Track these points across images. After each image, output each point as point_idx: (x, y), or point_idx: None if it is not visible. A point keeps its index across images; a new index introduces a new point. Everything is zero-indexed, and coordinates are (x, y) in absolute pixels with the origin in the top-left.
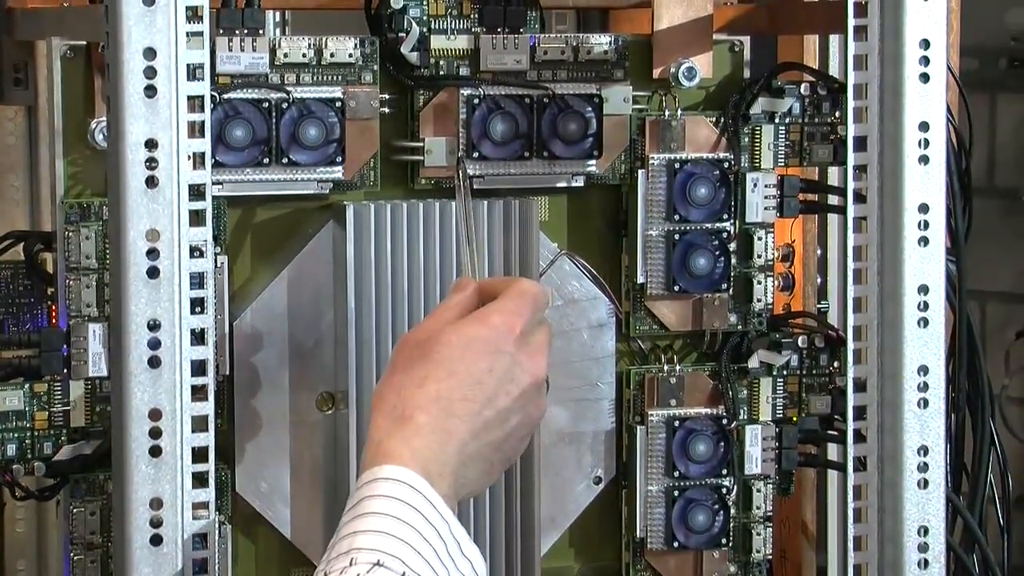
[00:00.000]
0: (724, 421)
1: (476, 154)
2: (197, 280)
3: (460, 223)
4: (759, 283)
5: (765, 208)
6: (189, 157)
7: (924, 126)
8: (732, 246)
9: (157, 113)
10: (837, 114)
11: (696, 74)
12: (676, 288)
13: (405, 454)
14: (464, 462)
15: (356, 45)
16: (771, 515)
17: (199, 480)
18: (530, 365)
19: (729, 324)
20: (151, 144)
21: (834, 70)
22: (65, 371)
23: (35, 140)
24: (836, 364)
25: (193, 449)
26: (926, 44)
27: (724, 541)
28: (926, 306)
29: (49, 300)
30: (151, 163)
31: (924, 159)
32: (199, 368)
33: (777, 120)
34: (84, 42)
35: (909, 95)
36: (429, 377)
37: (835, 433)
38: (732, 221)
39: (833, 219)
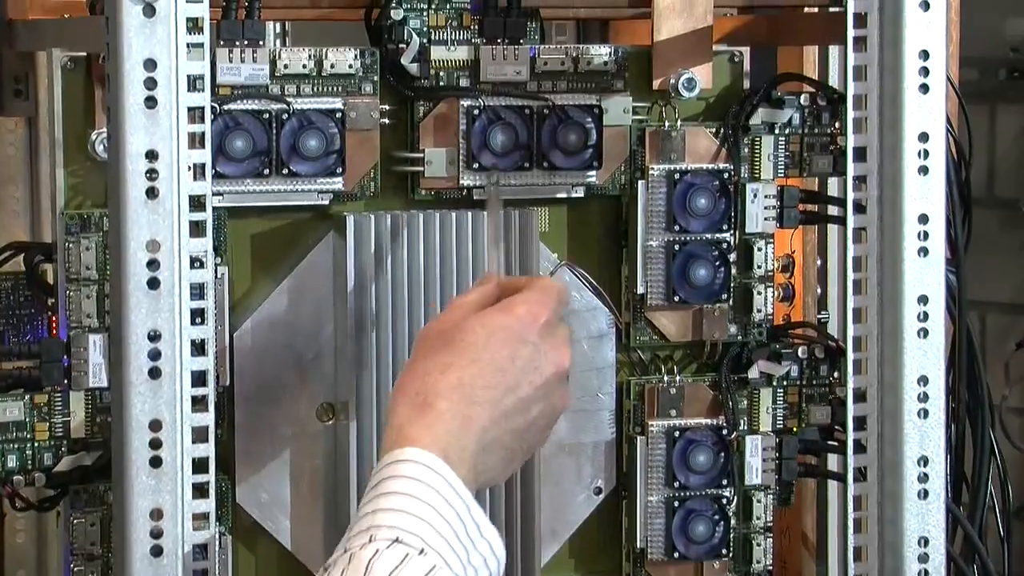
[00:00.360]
0: (724, 432)
1: (476, 165)
2: (197, 291)
3: (488, 227)
4: (759, 293)
5: (765, 219)
6: (189, 168)
7: (924, 137)
8: (732, 257)
9: (157, 124)
10: (837, 125)
11: (696, 85)
12: (676, 299)
13: (426, 438)
14: (484, 448)
15: (356, 56)
16: (771, 525)
17: (199, 491)
18: (554, 355)
19: (729, 335)
20: (151, 155)
21: (834, 81)
22: (65, 382)
23: (35, 151)
24: (836, 374)
25: (193, 460)
26: (925, 55)
27: (724, 551)
28: (926, 316)
29: (49, 311)
30: (151, 174)
31: (924, 169)
32: (199, 379)
33: (777, 131)
34: (84, 53)
35: (909, 106)
36: (452, 365)
37: (835, 443)
38: (732, 232)
39: (833, 230)
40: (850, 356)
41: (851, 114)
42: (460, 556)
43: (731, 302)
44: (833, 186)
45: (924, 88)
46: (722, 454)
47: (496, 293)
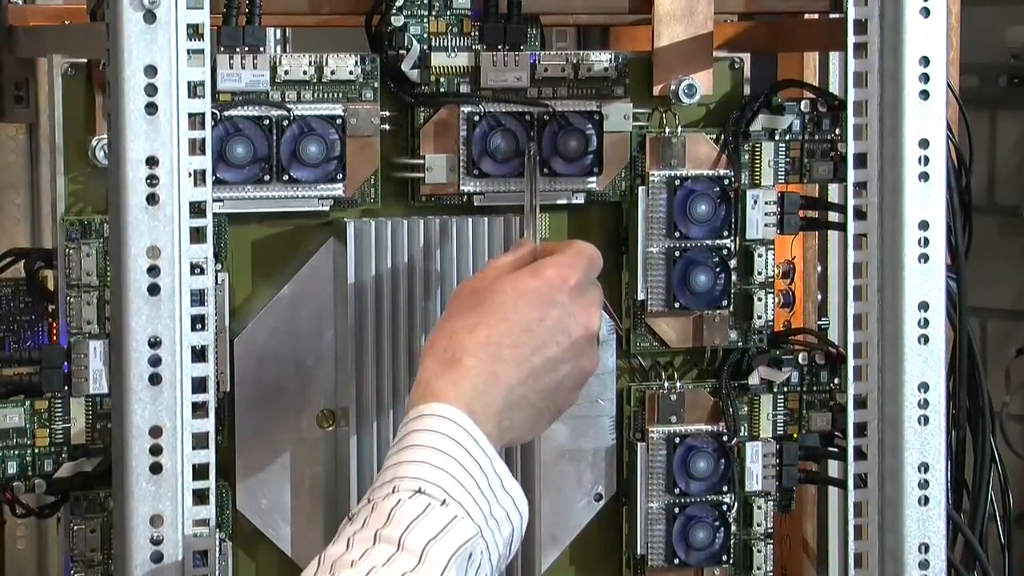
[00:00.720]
0: (725, 438)
1: (476, 171)
2: (198, 297)
3: (526, 195)
4: (759, 300)
5: (765, 225)
6: (190, 174)
7: (924, 143)
8: (732, 263)
9: (158, 130)
10: (837, 131)
11: (696, 91)
12: (676, 305)
13: (451, 393)
14: (510, 405)
15: (357, 62)
16: (772, 532)
17: (199, 497)
18: (583, 317)
19: (729, 341)
20: (152, 161)
21: (834, 87)
22: (66, 388)
23: (36, 157)
24: (836, 381)
25: (194, 466)
26: (926, 61)
27: (725, 558)
28: (926, 323)
29: (50, 317)
30: (152, 180)
31: (924, 176)
32: (200, 385)
33: (777, 137)
34: (85, 59)
35: (909, 112)
36: (481, 324)
37: (835, 450)
38: (732, 238)
39: (833, 236)
40: (851, 362)
41: (851, 120)
42: (482, 508)
43: (731, 308)
44: (834, 192)
45: (924, 95)
46: (722, 460)
47: (530, 257)
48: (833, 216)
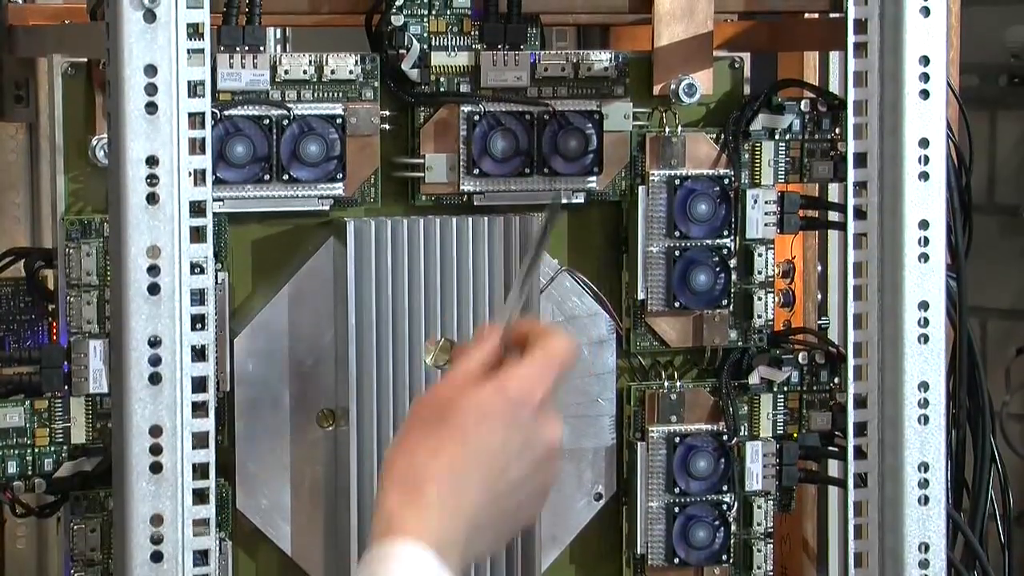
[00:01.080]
0: (725, 437)
1: (476, 170)
2: (198, 297)
3: (528, 254)
4: (759, 299)
5: (765, 224)
6: (190, 174)
7: (924, 143)
8: (732, 262)
9: (158, 130)
10: (837, 130)
11: (696, 91)
12: (676, 304)
13: (416, 530)
14: (474, 531)
15: (357, 62)
16: (772, 531)
17: (200, 497)
18: (546, 433)
19: (729, 340)
20: (152, 161)
21: (834, 87)
22: (66, 388)
23: (36, 157)
24: (836, 380)
25: (194, 466)
26: (926, 61)
27: (725, 557)
28: (926, 322)
29: (50, 317)
30: (152, 180)
31: (924, 175)
32: (200, 384)
33: (777, 136)
34: (85, 59)
35: (909, 112)
36: (442, 448)
37: (836, 449)
38: (732, 237)
39: (833, 235)
40: (851, 362)
41: (851, 120)
42: None
43: (731, 308)
44: (834, 192)
45: (924, 94)
46: (722, 460)
47: (498, 351)
48: (833, 216)
